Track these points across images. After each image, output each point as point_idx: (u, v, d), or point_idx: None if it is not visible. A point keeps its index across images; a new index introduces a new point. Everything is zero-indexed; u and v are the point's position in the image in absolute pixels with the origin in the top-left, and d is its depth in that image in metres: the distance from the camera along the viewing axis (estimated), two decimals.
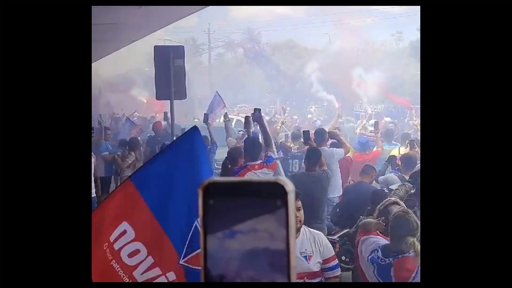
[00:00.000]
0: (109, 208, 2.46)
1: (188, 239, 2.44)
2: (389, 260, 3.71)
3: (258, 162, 6.79)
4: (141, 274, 2.43)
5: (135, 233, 2.41)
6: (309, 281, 3.83)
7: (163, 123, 13.54)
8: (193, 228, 2.44)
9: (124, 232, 2.43)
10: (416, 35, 33.37)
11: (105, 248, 2.41)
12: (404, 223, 3.63)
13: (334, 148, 8.46)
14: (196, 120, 17.34)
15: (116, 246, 2.42)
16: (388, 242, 3.80)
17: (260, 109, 7.65)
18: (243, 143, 7.92)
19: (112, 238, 2.42)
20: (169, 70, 9.56)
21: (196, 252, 2.42)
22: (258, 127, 8.08)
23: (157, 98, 10.32)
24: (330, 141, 9.02)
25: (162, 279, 2.44)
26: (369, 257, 3.81)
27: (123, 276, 2.40)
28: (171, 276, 2.42)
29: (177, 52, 9.92)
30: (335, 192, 7.80)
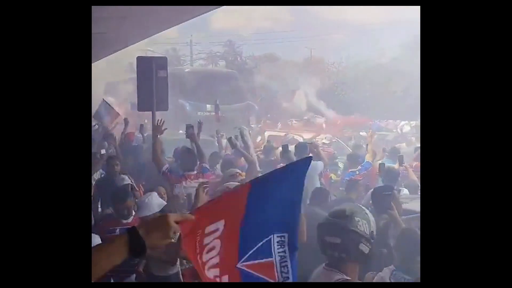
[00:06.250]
0: (220, 203, 2.42)
1: (257, 247, 2.36)
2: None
3: (195, 172, 7.36)
4: (207, 270, 2.31)
5: (222, 232, 2.32)
6: None
7: (138, 135, 12.64)
8: (268, 240, 2.37)
9: (217, 230, 2.32)
10: (397, 51, 33.73)
11: (197, 239, 2.29)
12: None
13: (317, 162, 8.46)
14: (181, 131, 16.95)
15: (205, 241, 2.31)
16: None
17: (192, 126, 8.32)
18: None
19: (207, 231, 2.31)
20: (151, 81, 9.50)
21: (259, 261, 2.34)
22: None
23: (138, 110, 10.20)
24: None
25: (216, 280, 2.32)
26: None
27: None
28: (225, 279, 2.32)
29: (160, 63, 9.87)
30: None
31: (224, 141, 12.05)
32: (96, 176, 8.43)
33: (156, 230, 2.03)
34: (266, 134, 17.75)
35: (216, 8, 9.42)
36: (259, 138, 15.28)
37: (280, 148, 10.00)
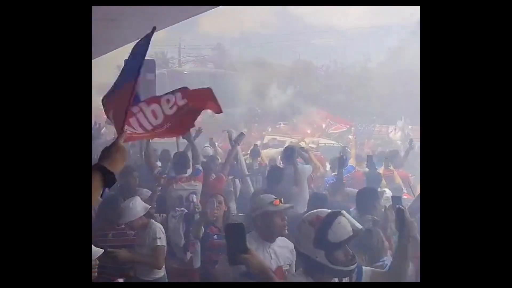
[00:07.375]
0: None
1: None
2: None
3: (187, 174, 7.37)
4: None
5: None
6: None
7: None
8: None
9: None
10: (383, 56, 33.90)
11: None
12: None
13: (304, 165, 8.48)
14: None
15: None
16: None
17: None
18: None
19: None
20: (139, 84, 9.45)
21: None
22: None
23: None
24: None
25: None
26: None
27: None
28: None
29: (148, 66, 9.83)
30: (302, 208, 7.79)
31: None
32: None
33: (115, 157, 2.34)
34: (266, 138, 17.78)
35: (212, 8, 9.40)
36: (258, 142, 15.20)
37: (266, 151, 9.97)
